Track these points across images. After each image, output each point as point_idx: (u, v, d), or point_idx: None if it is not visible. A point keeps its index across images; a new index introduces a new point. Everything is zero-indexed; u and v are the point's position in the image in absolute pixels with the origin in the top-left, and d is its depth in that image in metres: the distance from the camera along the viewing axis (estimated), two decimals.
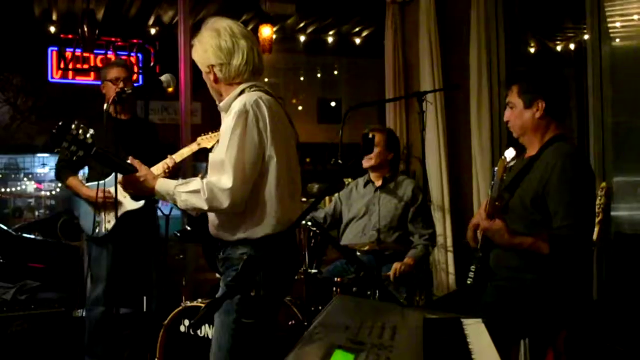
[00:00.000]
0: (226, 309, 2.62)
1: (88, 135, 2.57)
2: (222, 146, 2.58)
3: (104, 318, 4.33)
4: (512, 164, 2.88)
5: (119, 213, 4.24)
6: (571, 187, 2.87)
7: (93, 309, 4.35)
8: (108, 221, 4.26)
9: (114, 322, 4.37)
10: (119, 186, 4.11)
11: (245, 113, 2.58)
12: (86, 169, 4.59)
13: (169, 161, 3.80)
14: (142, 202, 4.21)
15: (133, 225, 4.23)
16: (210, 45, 2.72)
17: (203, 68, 2.78)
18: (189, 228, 2.78)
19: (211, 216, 2.76)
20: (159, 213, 4.52)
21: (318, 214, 4.76)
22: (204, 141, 4.05)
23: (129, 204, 4.22)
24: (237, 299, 2.58)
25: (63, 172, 4.45)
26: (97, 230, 4.28)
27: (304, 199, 4.44)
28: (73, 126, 2.55)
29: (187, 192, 2.58)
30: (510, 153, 2.79)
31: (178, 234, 2.82)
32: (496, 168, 2.77)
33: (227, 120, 2.62)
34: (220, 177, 2.55)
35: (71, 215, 4.62)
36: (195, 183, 2.58)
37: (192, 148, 4.11)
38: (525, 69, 3.50)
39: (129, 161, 2.72)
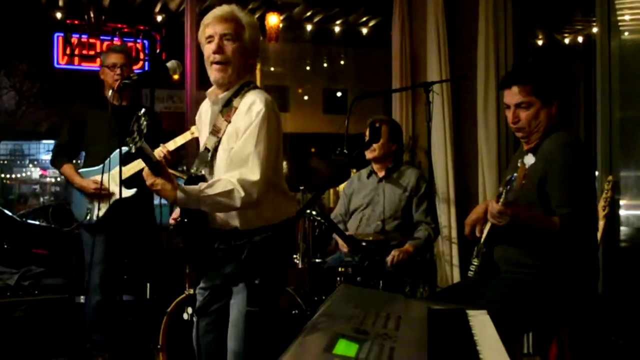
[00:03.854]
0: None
1: (144, 127, 2.50)
2: (249, 141, 2.64)
3: (101, 306, 4.33)
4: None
5: (111, 201, 4.25)
6: (573, 176, 2.87)
7: (91, 297, 4.35)
8: (99, 208, 4.26)
9: (113, 309, 4.37)
10: (109, 176, 4.15)
11: (269, 111, 2.67)
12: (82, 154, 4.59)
13: (162, 150, 3.77)
14: (133, 191, 4.20)
15: (126, 213, 4.19)
16: (259, 35, 2.85)
17: (252, 48, 2.80)
18: (185, 220, 2.74)
19: None
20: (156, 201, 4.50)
21: (332, 217, 4.75)
22: (198, 131, 4.01)
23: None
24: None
25: (58, 158, 4.49)
26: (88, 218, 4.30)
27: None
28: (142, 114, 2.49)
29: (217, 195, 2.56)
30: (529, 160, 2.76)
31: (175, 228, 2.79)
32: (515, 174, 2.73)
33: (247, 117, 2.67)
34: (246, 171, 2.61)
35: (64, 200, 4.64)
36: (223, 183, 2.58)
37: (185, 137, 4.08)
38: (523, 66, 3.46)
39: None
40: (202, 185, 2.59)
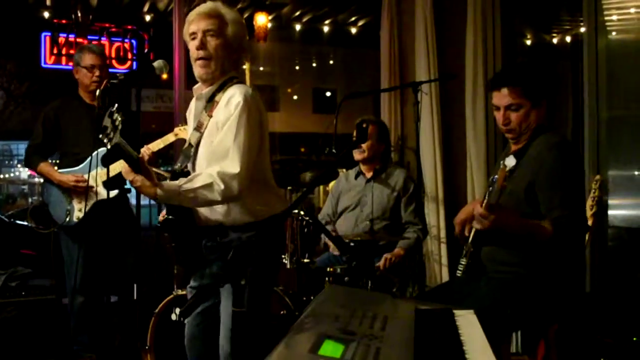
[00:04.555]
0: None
1: (119, 122, 2.47)
2: (228, 134, 2.64)
3: (84, 308, 4.30)
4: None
5: (92, 202, 4.20)
6: (564, 178, 2.87)
7: (73, 299, 4.32)
8: (79, 210, 4.21)
9: (98, 310, 4.34)
10: (89, 176, 4.12)
11: (248, 103, 2.66)
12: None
13: (145, 151, 3.75)
14: (115, 192, 4.17)
15: (106, 214, 4.16)
16: (245, 32, 2.84)
17: (235, 44, 2.78)
18: (170, 217, 2.74)
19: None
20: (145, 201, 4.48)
21: (320, 217, 4.75)
22: (182, 132, 3.99)
23: (102, 193, 4.17)
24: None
25: (33, 158, 4.40)
26: (67, 219, 4.25)
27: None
28: (114, 109, 2.46)
29: (196, 189, 2.56)
30: (510, 161, 2.77)
31: (162, 225, 2.78)
32: (496, 176, 2.73)
33: (226, 110, 2.67)
34: (226, 164, 2.60)
35: (43, 201, 4.56)
36: (203, 177, 2.58)
37: (169, 138, 4.06)
38: (512, 67, 3.46)
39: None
40: (182, 180, 2.59)
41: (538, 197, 2.88)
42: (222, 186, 2.55)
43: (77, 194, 4.23)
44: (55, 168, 4.35)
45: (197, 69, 2.77)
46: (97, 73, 4.30)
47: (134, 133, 3.48)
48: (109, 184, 3.93)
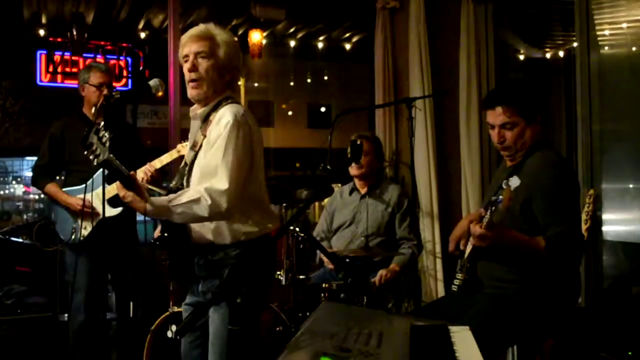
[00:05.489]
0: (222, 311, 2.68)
1: (106, 139, 2.50)
2: (217, 153, 2.66)
3: (85, 326, 4.29)
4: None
5: (96, 220, 4.20)
6: (560, 195, 2.88)
7: (74, 317, 4.30)
8: (84, 227, 4.22)
9: (97, 328, 4.33)
10: (94, 195, 4.13)
11: (238, 122, 2.69)
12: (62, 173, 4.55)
13: (147, 169, 3.77)
14: (119, 209, 4.18)
15: (110, 232, 4.17)
16: (238, 52, 2.86)
17: (227, 64, 2.81)
18: (165, 234, 2.76)
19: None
20: (140, 217, 4.48)
21: (315, 234, 4.75)
22: (184, 149, 4.00)
23: (107, 211, 4.17)
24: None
25: (40, 178, 4.40)
26: (73, 237, 4.25)
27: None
28: (101, 127, 2.48)
29: (185, 204, 2.59)
30: (514, 182, 2.78)
31: (157, 242, 2.79)
32: (501, 197, 2.75)
33: (216, 129, 2.70)
34: (215, 181, 2.62)
35: (48, 220, 4.55)
36: (191, 192, 2.61)
37: (172, 155, 4.07)
38: (506, 85, 3.46)
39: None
40: (171, 196, 2.62)
41: (535, 214, 2.89)
42: (209, 201, 2.57)
43: (83, 212, 4.23)
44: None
45: (190, 91, 2.82)
46: (105, 91, 4.31)
47: (137, 148, 3.47)
48: (112, 201, 3.95)
